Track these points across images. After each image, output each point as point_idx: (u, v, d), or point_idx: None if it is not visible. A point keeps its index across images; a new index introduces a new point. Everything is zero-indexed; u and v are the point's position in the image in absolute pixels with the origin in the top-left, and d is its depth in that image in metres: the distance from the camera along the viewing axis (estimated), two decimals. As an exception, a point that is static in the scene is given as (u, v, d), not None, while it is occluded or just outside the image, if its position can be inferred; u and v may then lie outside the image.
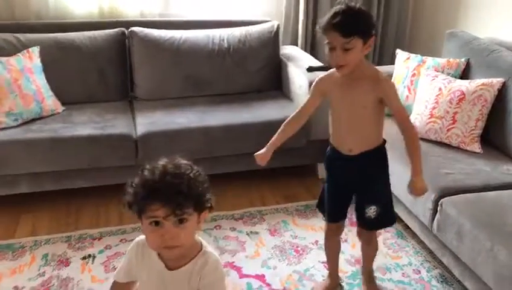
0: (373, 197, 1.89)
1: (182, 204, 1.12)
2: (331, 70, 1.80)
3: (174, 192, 1.12)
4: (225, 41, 3.13)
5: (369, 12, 1.76)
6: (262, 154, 1.88)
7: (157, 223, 1.14)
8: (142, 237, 1.27)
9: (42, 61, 2.77)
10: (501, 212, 1.93)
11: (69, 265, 2.25)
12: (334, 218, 2.00)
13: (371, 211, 1.88)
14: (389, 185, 1.92)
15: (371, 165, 1.85)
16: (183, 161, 1.22)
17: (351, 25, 1.61)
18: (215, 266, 1.28)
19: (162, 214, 1.12)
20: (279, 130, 1.90)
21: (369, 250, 2.08)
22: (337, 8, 1.64)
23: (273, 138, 1.89)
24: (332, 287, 2.13)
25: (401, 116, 1.76)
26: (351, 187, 1.91)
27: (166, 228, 1.14)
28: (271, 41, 3.22)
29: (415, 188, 1.79)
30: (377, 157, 1.85)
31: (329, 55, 1.68)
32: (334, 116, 1.84)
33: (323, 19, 1.65)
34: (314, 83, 1.87)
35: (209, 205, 1.21)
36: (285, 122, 1.91)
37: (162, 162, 1.20)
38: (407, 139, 1.77)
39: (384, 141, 1.85)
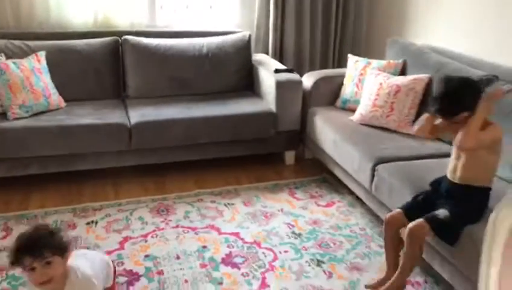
0: None
1: (43, 254, 1.63)
2: None
3: (37, 248, 1.63)
4: (205, 48, 3.66)
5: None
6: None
7: (32, 269, 1.65)
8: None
9: (48, 63, 3.24)
10: (421, 173, 2.43)
11: (76, 228, 2.70)
12: None
13: None
14: None
15: None
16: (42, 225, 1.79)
17: None
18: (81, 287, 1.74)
19: (32, 263, 1.63)
20: None
21: None
22: None
23: None
24: None
25: None
26: None
27: (37, 270, 1.64)
28: (244, 48, 3.76)
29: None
30: None
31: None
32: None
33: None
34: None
35: (64, 248, 1.69)
36: None
37: (28, 230, 1.71)
38: None
39: None
